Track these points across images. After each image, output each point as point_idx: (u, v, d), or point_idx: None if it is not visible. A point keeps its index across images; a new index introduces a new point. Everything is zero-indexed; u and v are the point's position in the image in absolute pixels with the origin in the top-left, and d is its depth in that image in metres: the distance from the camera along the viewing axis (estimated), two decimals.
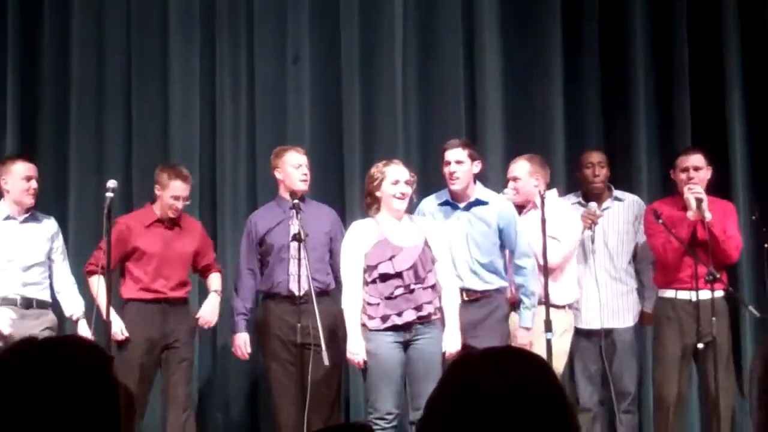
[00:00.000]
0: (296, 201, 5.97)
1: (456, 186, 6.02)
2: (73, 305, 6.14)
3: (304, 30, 7.44)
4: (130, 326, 6.03)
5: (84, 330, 6.01)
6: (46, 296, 6.14)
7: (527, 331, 5.92)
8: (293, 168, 6.26)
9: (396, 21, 7.42)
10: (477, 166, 6.08)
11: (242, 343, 6.23)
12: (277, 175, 6.34)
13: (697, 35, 7.45)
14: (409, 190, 5.77)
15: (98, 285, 5.96)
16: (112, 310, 5.86)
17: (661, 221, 6.02)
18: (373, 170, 5.85)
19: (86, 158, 7.30)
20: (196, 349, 6.63)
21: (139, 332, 6.05)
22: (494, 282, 5.99)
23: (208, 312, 6.27)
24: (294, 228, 5.97)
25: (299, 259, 5.83)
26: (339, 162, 7.24)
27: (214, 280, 6.39)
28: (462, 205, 6.05)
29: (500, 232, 6.02)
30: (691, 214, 6.04)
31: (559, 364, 5.88)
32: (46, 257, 6.18)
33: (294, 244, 5.88)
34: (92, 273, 6.07)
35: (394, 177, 5.73)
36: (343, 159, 7.21)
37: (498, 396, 1.59)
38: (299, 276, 5.86)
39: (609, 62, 7.51)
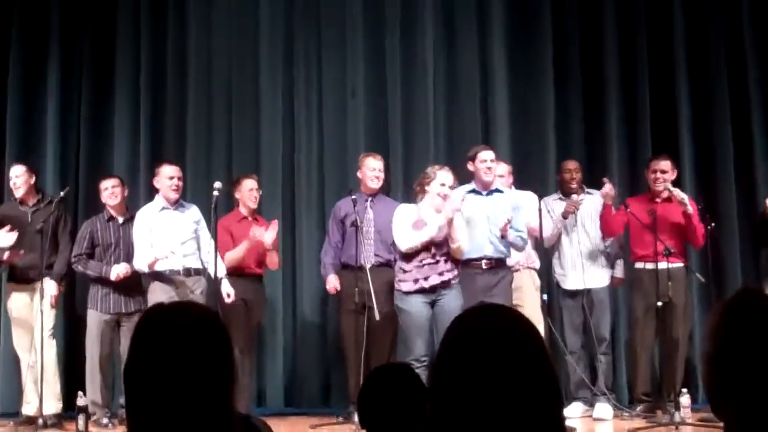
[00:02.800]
0: (353, 196, 6.13)
1: (490, 177, 6.07)
2: (217, 269, 6.06)
3: (360, 71, 7.46)
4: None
5: (227, 287, 6.09)
6: (198, 264, 6.21)
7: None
8: (369, 170, 6.36)
9: (428, 66, 7.45)
10: (500, 167, 6.28)
11: (333, 280, 6.28)
12: (359, 174, 6.42)
13: (655, 66, 7.48)
14: (450, 192, 5.67)
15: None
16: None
17: (629, 211, 6.19)
18: (429, 169, 5.79)
19: (198, 165, 7.34)
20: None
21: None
22: (505, 252, 6.03)
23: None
24: (353, 216, 6.13)
25: (357, 240, 6.01)
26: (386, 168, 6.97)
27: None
28: (485, 192, 6.11)
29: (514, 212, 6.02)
30: (690, 210, 6.16)
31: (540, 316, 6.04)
32: (194, 234, 6.26)
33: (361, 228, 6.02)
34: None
35: (442, 179, 5.71)
36: (389, 166, 6.96)
37: (489, 341, 1.51)
38: (357, 252, 5.98)
39: (589, 87, 7.50)
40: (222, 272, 6.16)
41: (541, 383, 1.49)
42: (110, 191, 6.37)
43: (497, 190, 6.13)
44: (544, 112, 7.44)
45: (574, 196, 6.58)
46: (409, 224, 5.62)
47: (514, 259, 6.20)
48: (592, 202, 6.64)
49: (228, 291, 6.10)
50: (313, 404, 7.03)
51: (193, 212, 6.36)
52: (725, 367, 1.57)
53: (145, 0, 7.59)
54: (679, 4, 7.52)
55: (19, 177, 6.37)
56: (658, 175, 6.36)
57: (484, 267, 5.90)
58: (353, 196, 6.20)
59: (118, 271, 6.13)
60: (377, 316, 5.76)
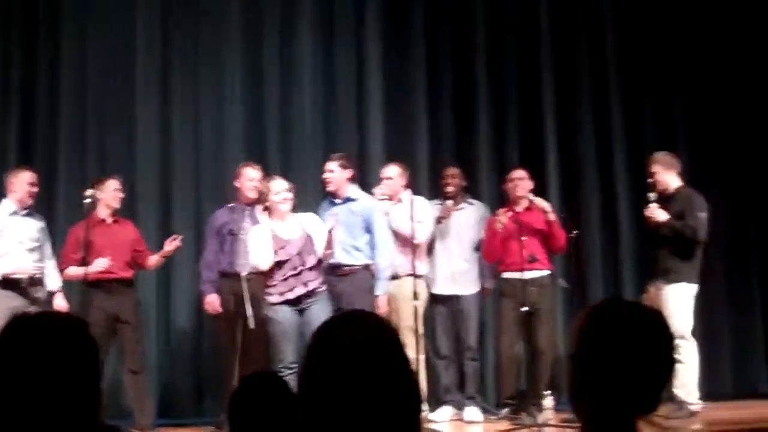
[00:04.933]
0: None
1: (329, 188, 6.24)
2: (52, 280, 6.05)
3: (237, 78, 7.42)
4: None
5: (60, 301, 6.03)
6: (41, 273, 6.04)
7: (381, 298, 6.03)
8: (247, 180, 6.31)
9: (305, 74, 7.48)
10: (348, 173, 6.26)
11: (213, 301, 6.23)
12: (237, 184, 6.38)
13: (524, 87, 7.77)
14: (290, 196, 5.77)
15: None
16: None
17: (500, 224, 6.27)
18: (262, 186, 5.89)
19: (71, 172, 7.15)
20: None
21: None
22: (360, 259, 6.10)
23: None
24: (230, 225, 6.16)
25: (234, 249, 6.05)
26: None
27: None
28: (339, 201, 6.23)
29: (365, 221, 6.15)
30: (552, 216, 6.32)
31: (420, 323, 6.11)
32: (39, 242, 6.08)
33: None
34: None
35: (276, 189, 5.76)
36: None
37: (348, 346, 1.57)
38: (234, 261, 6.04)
39: (460, 101, 7.70)
40: (56, 285, 6.08)
41: (398, 387, 1.56)
42: None
43: (350, 199, 6.22)
44: (417, 120, 7.62)
45: (449, 203, 6.68)
46: (267, 243, 5.66)
47: (390, 265, 6.24)
48: (470, 212, 6.78)
49: (60, 305, 5.99)
50: (187, 414, 6.93)
51: (39, 220, 6.20)
52: (584, 365, 1.70)
53: (15, 3, 7.35)
54: (546, 21, 7.83)
55: None
56: (516, 182, 6.52)
57: (339, 274, 6.00)
58: (230, 205, 6.21)
59: None
60: (252, 324, 5.79)
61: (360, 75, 7.63)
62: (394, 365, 1.57)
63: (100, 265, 5.96)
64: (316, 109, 7.53)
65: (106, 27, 7.38)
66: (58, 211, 7.02)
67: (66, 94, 7.28)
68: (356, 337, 1.59)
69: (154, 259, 6.38)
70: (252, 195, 6.27)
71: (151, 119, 7.30)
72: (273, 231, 5.72)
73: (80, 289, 6.06)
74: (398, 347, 1.62)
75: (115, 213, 6.32)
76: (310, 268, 5.70)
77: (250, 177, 6.34)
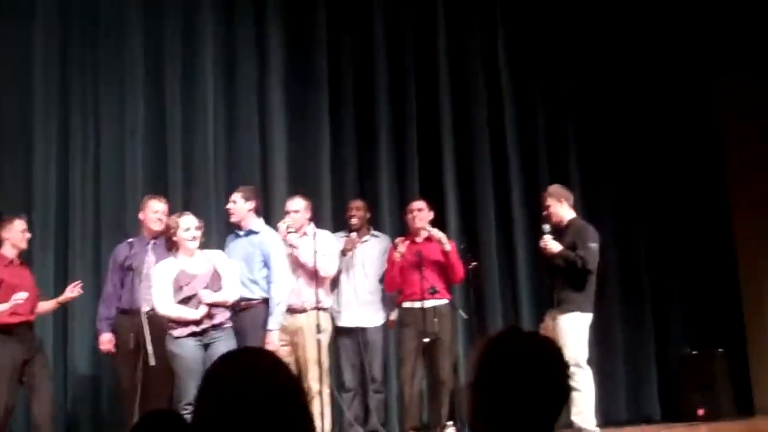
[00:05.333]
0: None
1: (232, 219, 6.29)
2: None
3: (140, 109, 7.30)
4: None
5: None
6: None
7: (272, 333, 6.00)
8: (152, 212, 6.23)
9: (208, 104, 7.42)
10: (250, 204, 6.28)
11: (107, 340, 6.14)
12: (141, 216, 6.30)
13: (423, 121, 7.93)
14: (198, 233, 5.76)
15: None
16: None
17: (399, 253, 6.43)
18: (170, 221, 5.86)
19: None
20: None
21: None
22: (257, 292, 6.10)
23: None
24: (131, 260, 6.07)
25: (134, 284, 5.98)
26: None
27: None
28: (242, 233, 6.28)
29: (264, 255, 6.17)
30: (448, 247, 6.45)
31: (324, 356, 6.13)
32: None
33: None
34: None
35: (185, 225, 5.75)
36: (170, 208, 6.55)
37: (236, 384, 1.58)
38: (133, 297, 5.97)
39: (362, 132, 7.83)
40: None
41: (293, 420, 1.59)
42: None
43: (252, 231, 6.26)
44: (320, 149, 7.67)
45: (353, 235, 6.77)
46: (170, 284, 5.62)
47: (301, 299, 6.25)
48: (374, 244, 6.86)
49: None
50: None
51: None
52: (482, 394, 1.75)
53: None
54: (444, 55, 8.03)
55: None
56: (415, 213, 6.64)
57: (237, 309, 5.96)
58: (130, 240, 6.13)
59: None
60: (152, 361, 5.71)
61: (263, 106, 7.63)
62: (283, 403, 1.59)
63: (20, 298, 5.74)
64: (219, 142, 7.49)
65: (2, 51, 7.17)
66: None
67: None
68: (243, 375, 1.60)
69: (47, 305, 6.18)
70: (156, 227, 6.20)
71: (49, 151, 7.11)
72: (179, 267, 5.70)
73: None
74: (289, 384, 1.65)
75: (20, 254, 6.15)
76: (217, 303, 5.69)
77: (154, 209, 6.27)
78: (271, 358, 1.69)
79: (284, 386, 1.62)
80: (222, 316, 5.69)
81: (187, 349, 5.57)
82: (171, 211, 6.30)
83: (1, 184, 7.06)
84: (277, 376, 1.63)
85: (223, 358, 1.70)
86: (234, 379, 1.60)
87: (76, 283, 6.18)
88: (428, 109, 7.98)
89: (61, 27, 7.26)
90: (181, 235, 5.71)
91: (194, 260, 5.76)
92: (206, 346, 5.60)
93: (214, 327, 5.64)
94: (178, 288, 5.65)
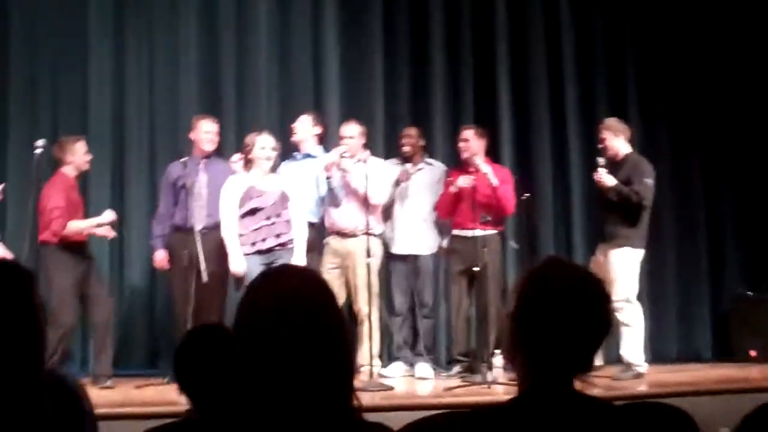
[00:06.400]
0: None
1: (293, 137, 6.41)
2: None
3: (193, 30, 7.36)
4: None
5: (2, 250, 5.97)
6: None
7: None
8: (203, 133, 6.31)
9: (261, 25, 7.46)
10: (317, 129, 6.43)
11: (161, 257, 6.27)
12: (192, 136, 6.36)
13: (479, 47, 7.80)
14: (274, 154, 5.90)
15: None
16: None
17: (455, 187, 6.38)
18: (247, 138, 5.94)
19: (22, 124, 7.10)
20: None
21: None
22: (307, 216, 6.19)
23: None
24: (184, 179, 6.14)
25: (188, 202, 6.06)
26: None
27: None
28: (299, 156, 6.40)
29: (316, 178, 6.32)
30: (494, 181, 6.33)
31: (374, 280, 6.15)
32: None
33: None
34: None
35: (261, 144, 5.86)
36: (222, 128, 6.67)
37: (273, 298, 1.59)
38: (188, 215, 6.06)
39: (416, 59, 7.73)
40: None
41: (328, 338, 1.58)
42: None
43: (309, 155, 6.36)
44: (373, 77, 7.61)
45: (408, 165, 6.75)
46: (236, 200, 5.73)
47: (352, 224, 6.31)
48: (428, 172, 6.81)
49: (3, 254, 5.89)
50: (141, 366, 6.96)
51: None
52: (521, 324, 1.75)
53: None
54: None
55: None
56: (461, 144, 6.59)
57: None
58: (183, 159, 6.18)
59: None
60: (205, 278, 5.81)
61: (316, 29, 7.60)
62: (320, 319, 1.58)
63: (108, 217, 5.99)
64: (272, 66, 7.49)
65: None
66: (8, 170, 6.95)
67: (16, 45, 7.19)
68: (282, 290, 1.60)
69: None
70: (208, 147, 6.28)
71: (103, 72, 7.24)
72: (249, 183, 5.79)
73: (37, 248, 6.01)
74: (328, 299, 1.64)
75: (79, 176, 6.27)
76: (284, 221, 5.78)
77: (206, 129, 6.33)
78: (312, 275, 1.69)
79: (322, 303, 1.61)
80: (287, 236, 5.80)
81: (251, 265, 5.65)
82: (222, 132, 6.42)
83: (57, 106, 7.20)
84: (316, 292, 1.62)
85: (264, 273, 1.70)
86: (272, 293, 1.60)
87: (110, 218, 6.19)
88: (484, 38, 7.84)
89: None
90: (256, 153, 5.82)
91: (265, 179, 5.85)
92: (269, 265, 5.56)
93: (280, 246, 5.77)
94: (248, 198, 5.75)
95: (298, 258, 5.84)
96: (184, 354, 2.33)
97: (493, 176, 6.41)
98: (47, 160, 6.17)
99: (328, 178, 6.28)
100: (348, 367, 1.62)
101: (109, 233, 6.19)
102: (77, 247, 6.06)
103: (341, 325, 1.63)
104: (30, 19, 7.21)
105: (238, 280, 5.78)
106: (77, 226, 6.01)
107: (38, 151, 5.83)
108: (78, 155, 6.14)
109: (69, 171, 6.15)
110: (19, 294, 1.70)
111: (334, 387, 1.56)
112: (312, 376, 1.54)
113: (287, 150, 6.46)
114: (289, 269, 1.72)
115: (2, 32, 7.17)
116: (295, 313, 1.56)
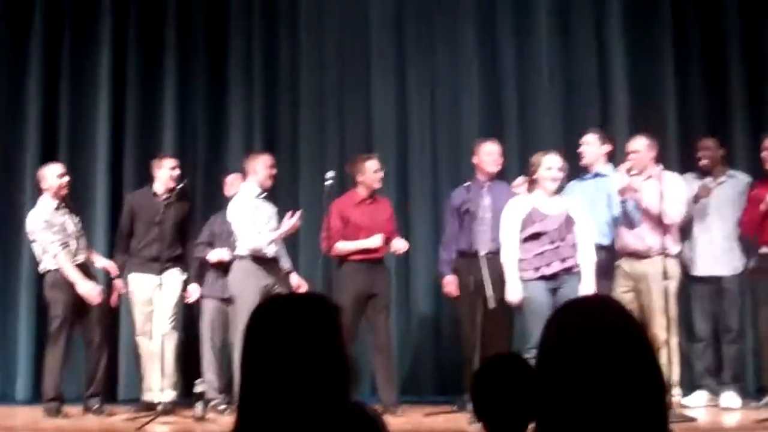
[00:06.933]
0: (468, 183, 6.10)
1: (583, 161, 6.15)
2: (286, 261, 6.37)
3: (472, 55, 7.47)
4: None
5: (297, 279, 6.31)
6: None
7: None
8: (486, 155, 6.23)
9: (543, 50, 7.44)
10: (606, 148, 6.16)
11: (450, 282, 6.23)
12: (475, 160, 6.30)
13: None
14: (560, 175, 5.66)
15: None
16: None
17: (765, 204, 5.88)
18: (534, 158, 5.74)
19: (311, 154, 7.46)
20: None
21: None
22: (598, 239, 5.86)
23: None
24: (468, 204, 6.08)
25: (472, 227, 5.98)
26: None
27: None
28: (588, 176, 6.15)
29: (608, 197, 6.00)
30: None
31: (672, 304, 5.85)
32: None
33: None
34: None
35: (548, 164, 5.66)
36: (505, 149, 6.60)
37: (580, 330, 1.55)
38: (473, 240, 5.96)
39: (710, 62, 7.31)
40: (289, 265, 6.44)
41: (643, 374, 1.53)
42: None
43: (599, 174, 6.12)
44: (665, 86, 7.32)
45: (707, 180, 6.35)
46: (518, 224, 5.59)
47: (646, 245, 6.01)
48: (730, 185, 6.39)
49: (298, 284, 6.24)
50: (426, 392, 7.02)
51: (273, 206, 6.32)
52: None
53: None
54: None
55: (175, 169, 6.44)
56: (764, 153, 6.04)
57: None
58: (467, 184, 6.14)
59: (219, 255, 6.30)
60: (492, 304, 5.72)
61: (600, 38, 7.42)
62: (634, 357, 1.53)
63: (375, 241, 6.08)
64: (555, 80, 7.38)
65: (342, 8, 7.63)
66: (300, 194, 7.28)
67: (306, 74, 7.60)
68: (589, 322, 1.56)
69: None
70: (491, 169, 6.22)
71: (387, 97, 7.47)
72: (532, 204, 5.64)
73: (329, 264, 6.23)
74: (639, 337, 1.58)
75: (373, 193, 6.37)
76: (570, 245, 5.57)
77: (489, 151, 6.26)
78: (617, 306, 1.64)
79: (630, 335, 1.56)
80: (572, 260, 5.58)
81: (535, 292, 5.51)
82: (504, 155, 6.35)
83: (343, 127, 7.50)
84: (624, 324, 1.57)
85: (567, 303, 1.66)
86: (578, 326, 1.56)
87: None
88: None
89: None
90: (541, 173, 5.63)
91: (549, 201, 5.64)
92: (554, 291, 5.51)
93: (565, 270, 5.55)
94: (530, 222, 5.58)
95: (587, 284, 5.57)
96: (483, 382, 2.23)
97: None
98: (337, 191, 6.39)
99: (623, 201, 5.98)
100: (660, 403, 1.56)
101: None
102: (366, 266, 6.13)
103: (650, 354, 1.57)
104: (317, 41, 7.62)
105: (518, 306, 5.63)
106: (345, 247, 6.11)
107: (328, 183, 5.98)
108: (367, 173, 6.26)
109: (360, 190, 6.29)
110: (328, 327, 1.74)
111: (647, 423, 1.52)
112: (623, 417, 1.50)
113: (573, 170, 6.23)
114: (595, 298, 1.74)
115: (293, 52, 7.61)
116: (603, 343, 1.53)
